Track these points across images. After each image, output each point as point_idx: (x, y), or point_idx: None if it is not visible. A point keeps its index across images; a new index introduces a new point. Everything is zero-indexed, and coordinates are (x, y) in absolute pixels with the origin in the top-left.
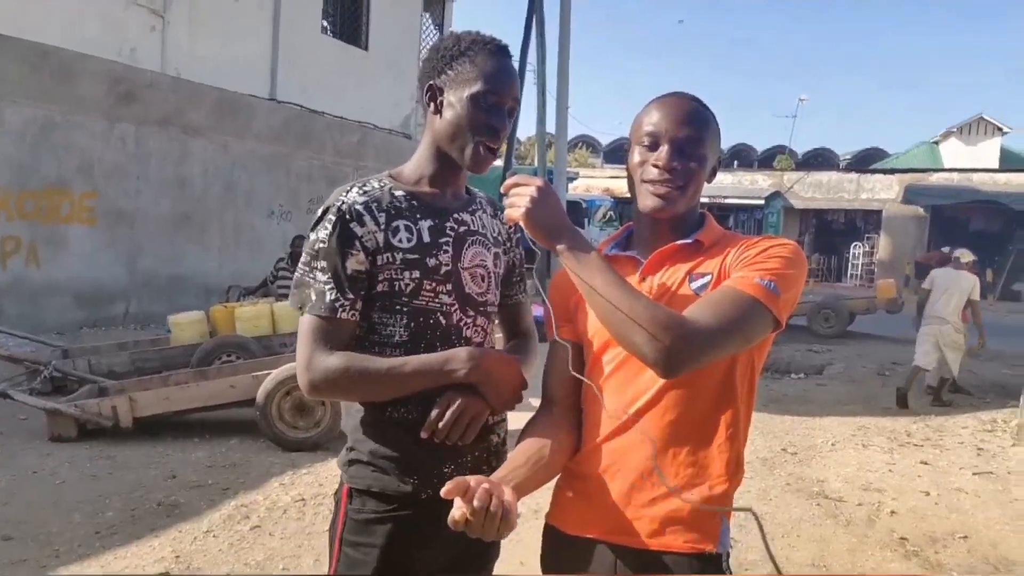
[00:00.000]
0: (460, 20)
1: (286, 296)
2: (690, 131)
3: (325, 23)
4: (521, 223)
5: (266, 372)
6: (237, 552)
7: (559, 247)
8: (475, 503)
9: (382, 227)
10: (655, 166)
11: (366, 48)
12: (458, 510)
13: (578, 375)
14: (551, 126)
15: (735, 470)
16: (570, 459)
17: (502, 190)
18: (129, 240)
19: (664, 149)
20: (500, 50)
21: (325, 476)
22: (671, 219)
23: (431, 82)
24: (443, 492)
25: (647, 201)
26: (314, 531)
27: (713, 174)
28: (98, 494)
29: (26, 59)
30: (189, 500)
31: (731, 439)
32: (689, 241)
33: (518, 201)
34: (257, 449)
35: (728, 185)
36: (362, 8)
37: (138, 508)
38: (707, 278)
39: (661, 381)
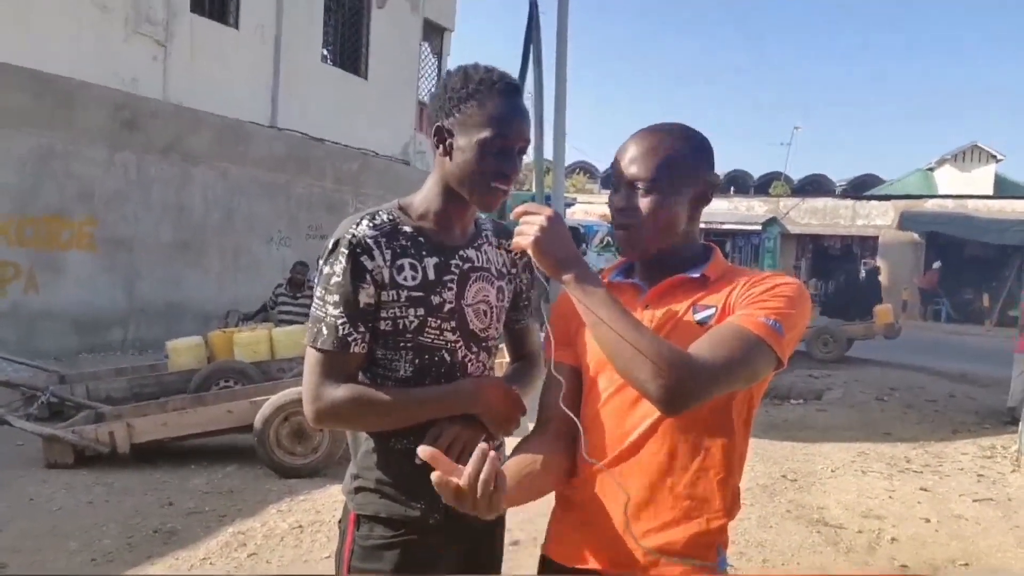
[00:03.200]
0: (458, 49)
1: (285, 322)
2: (642, 168)
3: (325, 52)
4: (529, 252)
5: (264, 398)
6: None
7: (566, 277)
8: (469, 468)
9: (388, 263)
10: (610, 206)
11: (366, 77)
12: (443, 472)
13: (567, 410)
14: (548, 152)
15: (732, 503)
16: (563, 483)
17: (511, 216)
18: (128, 266)
19: (618, 191)
20: (509, 89)
21: (323, 503)
22: (666, 253)
23: (439, 124)
24: (420, 450)
25: (619, 243)
26: (311, 558)
27: (702, 200)
28: (95, 521)
29: (28, 88)
30: (186, 527)
31: (728, 471)
32: (695, 275)
33: (527, 230)
34: (254, 475)
35: (725, 211)
36: (362, 37)
37: (135, 535)
38: (711, 310)
39: (655, 415)
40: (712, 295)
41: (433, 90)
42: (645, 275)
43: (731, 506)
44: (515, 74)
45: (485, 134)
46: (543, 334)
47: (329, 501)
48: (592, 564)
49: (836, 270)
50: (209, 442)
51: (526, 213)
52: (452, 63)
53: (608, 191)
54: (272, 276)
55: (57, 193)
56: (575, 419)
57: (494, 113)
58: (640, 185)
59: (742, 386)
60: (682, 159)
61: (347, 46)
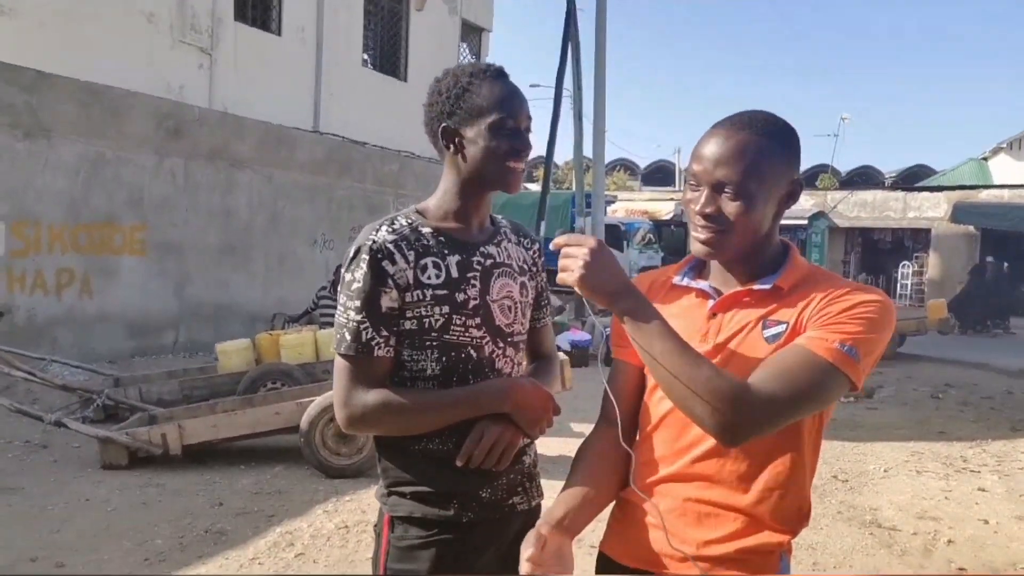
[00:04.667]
0: (496, 49)
1: (329, 323)
2: (730, 171)
3: (366, 56)
4: (576, 288)
5: (310, 399)
6: None
7: (618, 310)
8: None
9: (411, 264)
10: (695, 210)
11: (405, 79)
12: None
13: (626, 446)
14: (588, 150)
15: (798, 520)
16: (623, 486)
17: (552, 247)
18: (177, 270)
19: (703, 194)
20: (500, 74)
21: (368, 503)
22: (746, 255)
23: (444, 124)
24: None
25: (695, 245)
26: (357, 559)
27: (789, 200)
28: (147, 521)
29: (78, 98)
30: (235, 527)
31: (795, 488)
32: (767, 287)
33: (570, 264)
34: (301, 476)
35: None
36: (401, 41)
37: (186, 535)
38: (782, 327)
39: None
40: (784, 308)
41: (426, 101)
42: (717, 276)
43: (797, 522)
44: (554, 71)
45: (491, 118)
46: (581, 333)
47: (374, 502)
48: (649, 566)
49: (976, 271)
50: (257, 443)
51: (567, 245)
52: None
53: (650, 187)
54: (316, 278)
55: (108, 200)
56: (629, 450)
57: (494, 96)
58: (729, 189)
59: (811, 413)
60: (772, 161)
61: (386, 49)
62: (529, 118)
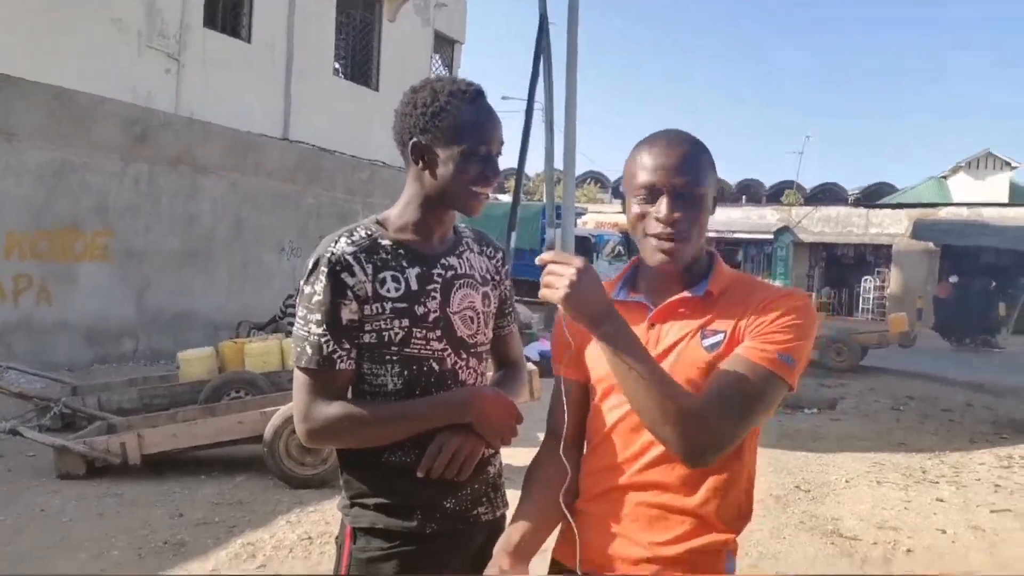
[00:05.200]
0: (468, 61)
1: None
2: (687, 177)
3: (337, 64)
4: (559, 306)
5: (274, 408)
6: None
7: (599, 332)
8: None
9: (370, 277)
10: (657, 220)
11: (377, 89)
12: None
13: (567, 461)
14: (559, 162)
15: (740, 519)
16: (575, 497)
17: (537, 262)
18: (140, 277)
19: (664, 202)
20: (478, 96)
21: (332, 514)
22: (685, 267)
23: (415, 140)
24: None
25: (653, 257)
26: (320, 570)
27: (714, 205)
28: (104, 532)
29: (44, 102)
30: (195, 538)
31: (737, 489)
32: (700, 295)
33: (555, 282)
34: (264, 486)
35: (737, 219)
36: (373, 51)
37: (144, 547)
38: (720, 336)
39: None
40: (720, 319)
41: (399, 108)
42: (650, 288)
43: (739, 521)
44: (526, 84)
45: (466, 144)
46: (550, 344)
47: (338, 512)
48: (600, 570)
49: (961, 283)
50: (219, 452)
51: (553, 263)
52: (463, 75)
53: (620, 200)
54: (282, 286)
55: (71, 205)
56: (567, 467)
57: (470, 122)
58: (688, 198)
59: (761, 422)
60: (712, 170)
61: (358, 58)
62: (501, 142)
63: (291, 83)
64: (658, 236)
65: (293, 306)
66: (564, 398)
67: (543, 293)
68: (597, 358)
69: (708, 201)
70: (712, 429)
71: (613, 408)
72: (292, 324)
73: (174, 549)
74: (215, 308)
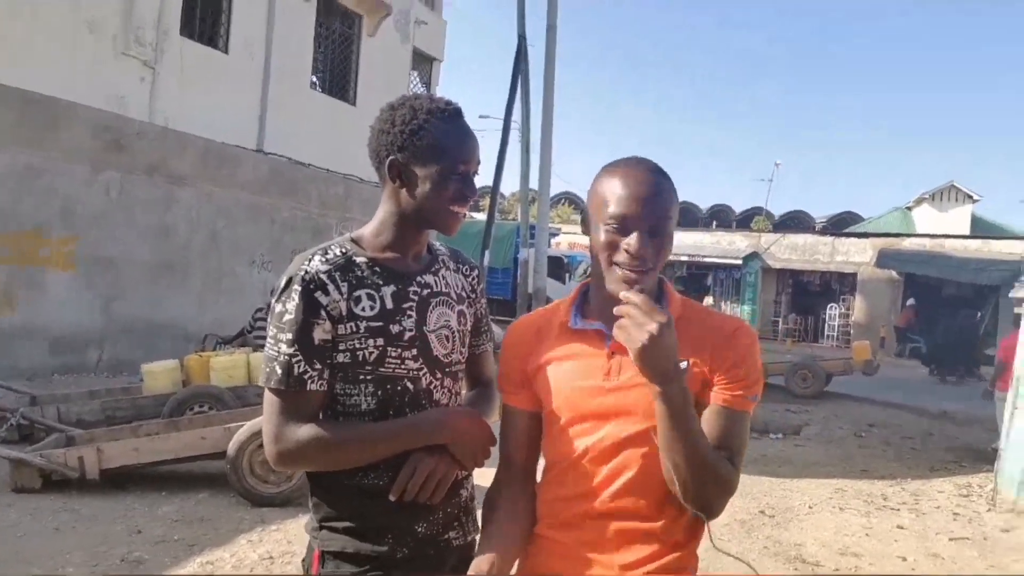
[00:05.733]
0: (447, 79)
1: (263, 346)
2: (659, 213)
3: (314, 78)
4: (632, 357)
5: (239, 424)
6: None
7: (664, 390)
8: None
9: (345, 296)
10: (628, 252)
11: (354, 103)
12: None
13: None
14: (534, 182)
15: (693, 533)
16: (535, 524)
17: (622, 298)
18: (107, 286)
19: (635, 236)
20: (457, 114)
21: (295, 533)
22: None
23: (393, 158)
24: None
25: (617, 285)
26: None
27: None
28: (60, 548)
29: (13, 106)
30: (154, 556)
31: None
32: None
33: (636, 335)
34: (226, 504)
35: (707, 244)
36: (351, 65)
37: (100, 564)
38: (683, 364)
39: (635, 467)
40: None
41: (376, 125)
42: (603, 315)
43: (696, 537)
44: (503, 104)
45: (444, 163)
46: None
47: (301, 532)
48: None
49: (943, 317)
50: (181, 468)
51: (635, 308)
52: (441, 93)
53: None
54: (254, 300)
55: (37, 211)
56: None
57: (448, 141)
58: (657, 231)
59: None
60: (676, 196)
61: (336, 72)
62: (479, 162)
63: (267, 95)
64: (625, 266)
65: (262, 320)
66: (503, 431)
67: (618, 335)
68: (557, 385)
69: (673, 234)
70: (732, 490)
71: (581, 435)
72: (260, 339)
73: (131, 567)
74: (186, 320)
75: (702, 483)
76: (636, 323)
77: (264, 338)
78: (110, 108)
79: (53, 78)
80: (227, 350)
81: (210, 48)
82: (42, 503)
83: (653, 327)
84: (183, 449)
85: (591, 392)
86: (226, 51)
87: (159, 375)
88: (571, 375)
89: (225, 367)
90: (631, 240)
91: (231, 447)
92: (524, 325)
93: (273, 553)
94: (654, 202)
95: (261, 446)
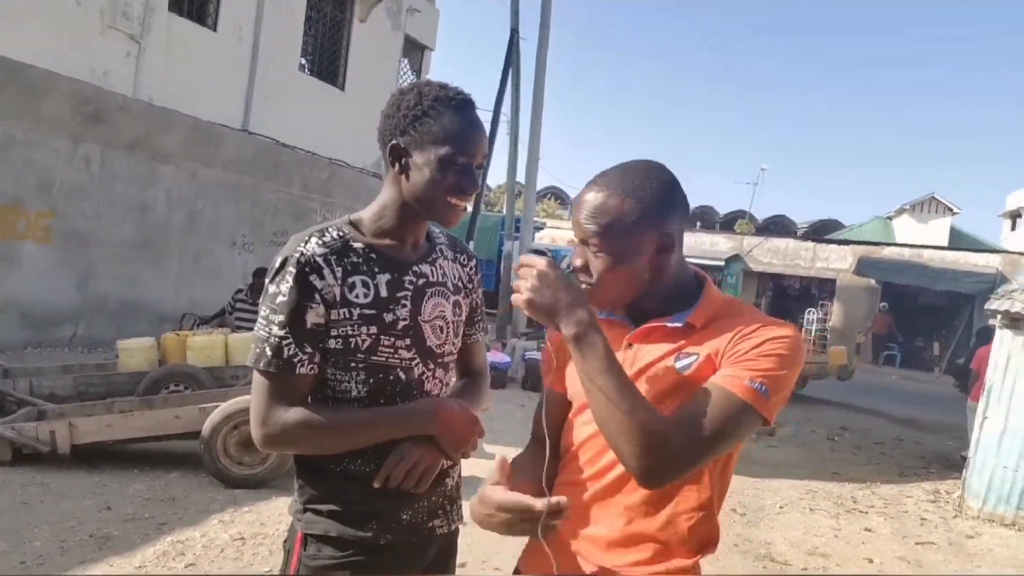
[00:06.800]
0: (438, 68)
1: (243, 328)
2: (594, 229)
3: (303, 60)
4: (524, 311)
5: (214, 404)
6: None
7: (565, 335)
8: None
9: (339, 281)
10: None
11: (343, 88)
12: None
13: (546, 489)
14: (521, 175)
15: (704, 544)
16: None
17: (514, 270)
18: (84, 262)
19: (574, 250)
20: (465, 104)
21: (268, 516)
22: (646, 298)
23: (394, 142)
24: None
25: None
26: (251, 571)
27: (663, 252)
28: (27, 522)
29: None
30: (123, 533)
31: (701, 515)
32: (679, 325)
33: (521, 285)
34: (198, 484)
35: (690, 245)
36: (341, 50)
37: (68, 539)
38: (693, 358)
39: None
40: (695, 346)
41: (385, 109)
42: (632, 311)
43: (703, 546)
44: (493, 95)
45: (443, 151)
46: (527, 355)
47: (274, 514)
48: None
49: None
50: (154, 447)
51: (523, 266)
52: None
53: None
54: (233, 281)
55: (14, 182)
56: (546, 492)
57: (451, 129)
58: (593, 245)
59: (727, 451)
60: (635, 218)
61: (326, 56)
62: (484, 156)
63: (255, 75)
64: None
65: (242, 301)
66: (544, 406)
67: (512, 298)
68: (575, 373)
69: (623, 251)
70: (671, 452)
71: (584, 424)
72: (240, 320)
73: (99, 543)
74: (163, 299)
75: (618, 436)
76: (521, 278)
77: (244, 320)
78: (95, 82)
79: (38, 49)
80: (205, 330)
81: (198, 25)
82: (11, 476)
83: (532, 274)
84: (156, 427)
85: None
86: (215, 29)
87: (135, 352)
88: None
89: (203, 347)
90: (575, 250)
91: (205, 427)
92: None
93: (245, 534)
94: (589, 216)
95: (236, 427)
